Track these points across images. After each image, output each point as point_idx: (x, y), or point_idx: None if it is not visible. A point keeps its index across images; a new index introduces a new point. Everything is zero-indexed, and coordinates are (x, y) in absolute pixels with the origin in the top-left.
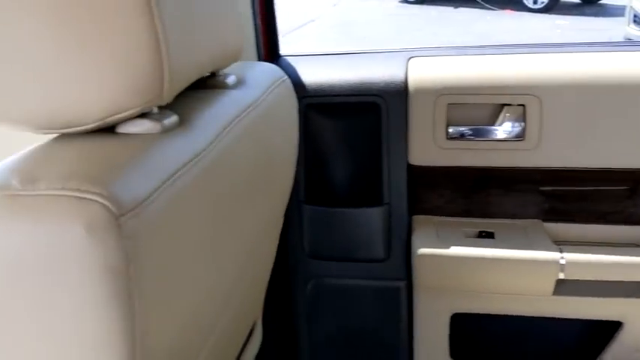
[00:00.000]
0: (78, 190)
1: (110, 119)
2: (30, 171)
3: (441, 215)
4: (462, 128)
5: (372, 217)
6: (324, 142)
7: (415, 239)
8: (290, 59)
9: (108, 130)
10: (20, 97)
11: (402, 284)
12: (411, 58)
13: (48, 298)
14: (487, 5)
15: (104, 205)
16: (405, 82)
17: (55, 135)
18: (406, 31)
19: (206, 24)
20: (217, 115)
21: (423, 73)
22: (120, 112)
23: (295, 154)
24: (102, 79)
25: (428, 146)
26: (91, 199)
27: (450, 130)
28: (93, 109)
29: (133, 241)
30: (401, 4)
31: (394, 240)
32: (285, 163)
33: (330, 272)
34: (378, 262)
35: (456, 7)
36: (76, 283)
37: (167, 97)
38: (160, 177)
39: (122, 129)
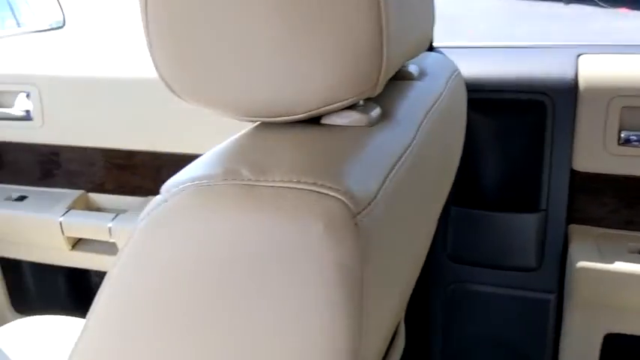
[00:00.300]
0: (314, 184)
1: (322, 110)
2: (257, 160)
3: (601, 226)
4: (635, 134)
5: (526, 223)
6: (477, 140)
7: (573, 250)
8: (444, 51)
9: (310, 120)
10: (233, 83)
11: (552, 297)
12: (580, 54)
13: (273, 293)
14: (600, 2)
15: (343, 202)
16: (575, 81)
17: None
18: (511, 26)
19: (413, 10)
20: (413, 108)
21: (595, 72)
22: (333, 103)
23: (460, 152)
24: (322, 68)
25: (596, 151)
26: (329, 195)
27: (622, 135)
28: (307, 99)
29: (366, 241)
30: None
31: (547, 249)
32: (454, 162)
33: (472, 278)
34: (528, 271)
35: (567, 3)
36: (308, 281)
37: (379, 89)
38: (381, 172)
39: (328, 120)
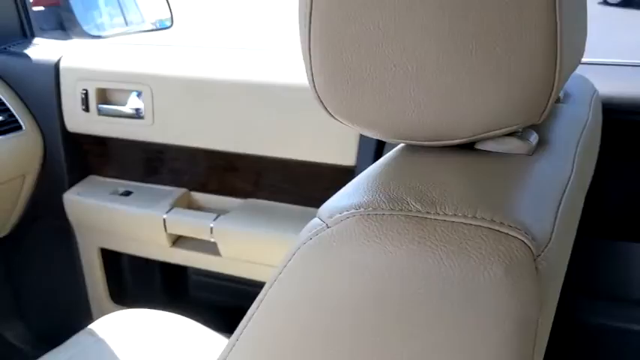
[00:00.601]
0: (492, 221)
1: (483, 135)
2: (422, 189)
3: None
4: None
5: None
6: (604, 164)
7: None
8: None
9: (461, 145)
10: (391, 103)
11: None
12: None
13: (442, 332)
14: None
15: (524, 244)
16: None
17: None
18: (600, 36)
19: (577, 25)
20: (567, 135)
21: None
22: (497, 129)
23: (591, 177)
24: (491, 91)
25: None
26: (509, 235)
27: None
28: (472, 124)
29: (544, 285)
30: (600, 5)
31: None
32: (587, 188)
33: (592, 310)
34: None
35: None
36: (482, 324)
37: (545, 115)
38: (552, 208)
39: (484, 146)
